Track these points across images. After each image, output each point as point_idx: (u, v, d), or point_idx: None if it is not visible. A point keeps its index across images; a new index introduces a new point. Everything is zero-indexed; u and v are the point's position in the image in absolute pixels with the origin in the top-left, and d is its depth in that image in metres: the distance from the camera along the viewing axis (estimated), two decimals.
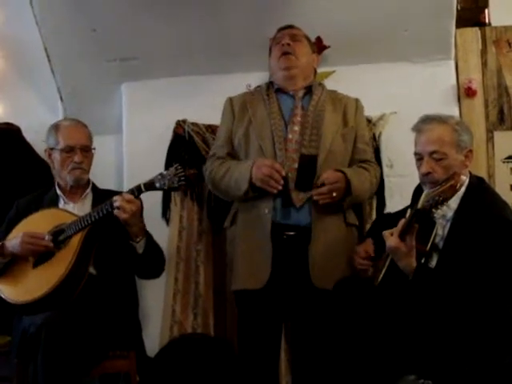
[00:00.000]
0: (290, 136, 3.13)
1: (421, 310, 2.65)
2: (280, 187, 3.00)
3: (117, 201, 2.96)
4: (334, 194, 3.02)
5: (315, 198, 3.03)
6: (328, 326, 2.90)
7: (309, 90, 3.27)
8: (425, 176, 2.75)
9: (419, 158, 2.79)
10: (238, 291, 3.19)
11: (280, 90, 3.28)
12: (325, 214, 3.08)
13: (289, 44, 3.23)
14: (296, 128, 3.15)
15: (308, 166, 3.07)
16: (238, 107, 3.30)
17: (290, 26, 3.33)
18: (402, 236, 2.58)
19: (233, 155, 3.26)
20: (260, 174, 3.01)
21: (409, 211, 2.67)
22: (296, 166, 3.07)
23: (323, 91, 3.30)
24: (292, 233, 3.07)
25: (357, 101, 3.33)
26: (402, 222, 2.62)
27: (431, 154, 2.74)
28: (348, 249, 3.14)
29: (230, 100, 3.35)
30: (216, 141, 3.39)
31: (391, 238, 2.61)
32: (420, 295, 2.59)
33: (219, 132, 3.38)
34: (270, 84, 3.34)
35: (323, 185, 3.01)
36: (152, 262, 3.20)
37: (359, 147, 3.25)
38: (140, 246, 3.09)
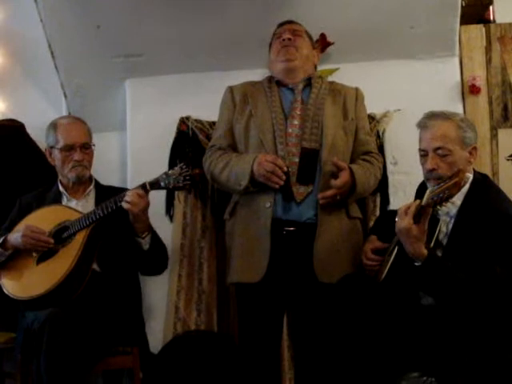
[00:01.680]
0: (289, 130, 3.13)
1: (425, 307, 2.67)
2: (282, 182, 3.00)
3: (128, 195, 2.97)
4: (338, 197, 3.03)
5: (321, 201, 3.03)
6: (331, 321, 2.90)
7: (308, 83, 3.26)
8: (429, 172, 2.75)
9: (424, 154, 2.79)
10: (238, 284, 3.19)
11: (280, 84, 3.27)
12: (328, 208, 3.07)
13: (289, 39, 3.22)
14: (296, 122, 3.14)
15: (309, 160, 3.08)
16: (238, 97, 3.28)
17: (291, 21, 3.32)
18: (415, 218, 2.56)
19: (233, 147, 3.25)
20: (262, 170, 3.00)
21: None
22: (296, 160, 3.07)
23: (323, 83, 3.28)
24: (292, 228, 3.07)
25: (356, 90, 3.32)
26: (416, 203, 2.60)
27: (436, 150, 2.74)
28: (352, 242, 3.14)
29: (231, 89, 3.33)
30: (216, 131, 3.37)
31: (403, 219, 2.58)
32: (427, 283, 2.59)
33: (219, 122, 3.36)
34: (270, 77, 3.32)
35: (334, 177, 3.02)
36: (157, 258, 3.21)
37: (361, 138, 3.24)
38: (146, 242, 3.10)
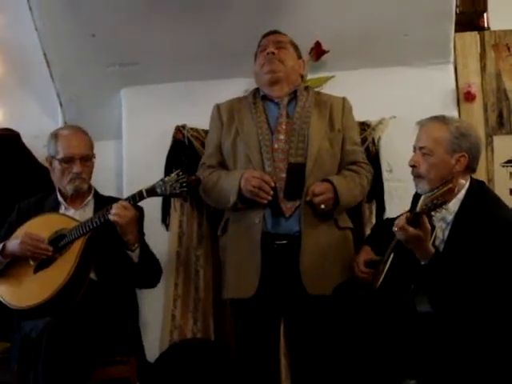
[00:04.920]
0: (275, 146, 3.13)
1: (421, 314, 2.67)
2: (270, 198, 3.01)
3: (114, 207, 2.97)
4: (323, 206, 3.03)
5: (307, 198, 3.03)
6: (325, 331, 2.90)
7: (294, 96, 3.24)
8: (411, 168, 2.83)
9: (413, 151, 2.85)
10: (233, 300, 3.21)
11: (266, 98, 3.27)
12: (315, 221, 3.09)
13: (273, 53, 3.20)
14: (281, 137, 3.14)
15: (296, 175, 3.08)
16: (225, 115, 3.29)
17: (275, 32, 3.31)
18: (413, 224, 2.55)
19: (223, 164, 3.27)
20: (249, 186, 3.01)
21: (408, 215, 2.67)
22: (283, 175, 3.08)
23: (308, 96, 3.27)
24: (284, 241, 3.08)
25: (344, 100, 3.30)
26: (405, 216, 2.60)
27: (421, 148, 2.80)
28: (343, 252, 3.16)
29: (218, 107, 3.34)
30: (206, 149, 3.40)
31: (403, 230, 2.56)
32: (431, 283, 2.59)
33: (208, 140, 3.39)
34: (256, 91, 3.32)
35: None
36: (147, 271, 3.19)
37: (348, 149, 3.24)
38: (135, 255, 3.08)
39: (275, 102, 3.23)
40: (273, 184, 3.01)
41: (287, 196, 3.06)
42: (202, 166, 3.30)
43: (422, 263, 2.59)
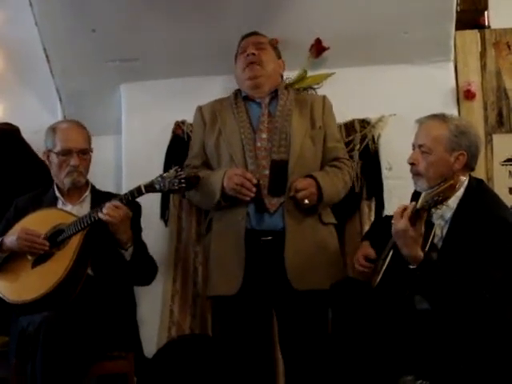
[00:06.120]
0: (258, 144, 3.18)
1: (420, 312, 2.67)
2: (252, 195, 3.04)
3: (105, 207, 2.97)
4: (306, 202, 3.05)
5: (291, 194, 3.06)
6: (315, 326, 2.96)
7: (275, 95, 3.29)
8: (410, 166, 2.83)
9: (413, 149, 2.85)
10: (216, 297, 3.22)
11: (247, 98, 3.31)
12: (299, 216, 3.12)
13: (254, 54, 3.25)
14: (264, 135, 3.19)
15: (279, 171, 3.11)
16: (208, 116, 3.34)
17: (255, 33, 3.36)
18: (411, 221, 2.55)
19: (207, 164, 3.31)
20: (231, 184, 3.04)
21: None
22: (267, 172, 3.12)
23: (289, 95, 3.32)
24: (269, 238, 3.10)
25: (324, 98, 3.36)
26: (413, 204, 2.60)
27: (420, 146, 2.80)
28: (327, 247, 3.19)
29: (200, 109, 3.40)
30: (190, 151, 3.42)
31: (400, 221, 2.57)
32: (422, 286, 2.59)
33: (193, 142, 3.44)
34: (237, 92, 3.37)
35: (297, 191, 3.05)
36: (140, 269, 3.19)
37: (329, 146, 3.28)
38: (128, 254, 3.08)
39: (257, 101, 3.28)
40: (255, 181, 3.05)
41: (271, 192, 3.10)
42: (186, 168, 3.32)
43: (411, 267, 2.59)
